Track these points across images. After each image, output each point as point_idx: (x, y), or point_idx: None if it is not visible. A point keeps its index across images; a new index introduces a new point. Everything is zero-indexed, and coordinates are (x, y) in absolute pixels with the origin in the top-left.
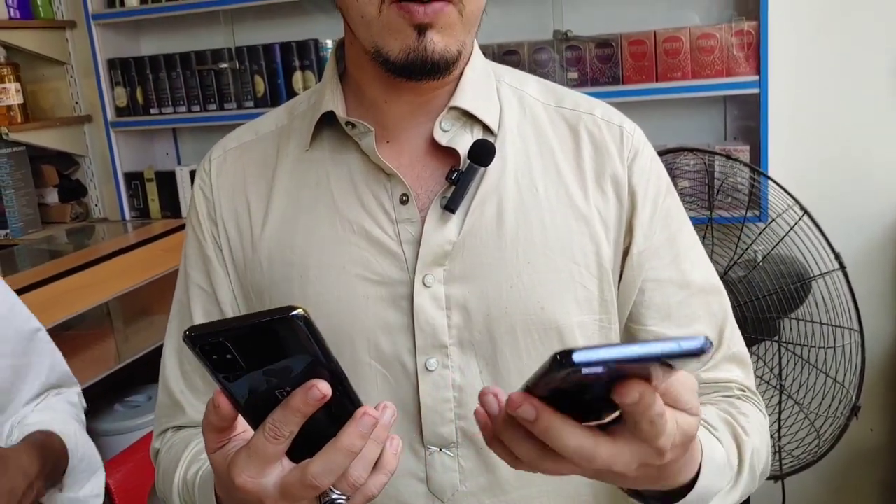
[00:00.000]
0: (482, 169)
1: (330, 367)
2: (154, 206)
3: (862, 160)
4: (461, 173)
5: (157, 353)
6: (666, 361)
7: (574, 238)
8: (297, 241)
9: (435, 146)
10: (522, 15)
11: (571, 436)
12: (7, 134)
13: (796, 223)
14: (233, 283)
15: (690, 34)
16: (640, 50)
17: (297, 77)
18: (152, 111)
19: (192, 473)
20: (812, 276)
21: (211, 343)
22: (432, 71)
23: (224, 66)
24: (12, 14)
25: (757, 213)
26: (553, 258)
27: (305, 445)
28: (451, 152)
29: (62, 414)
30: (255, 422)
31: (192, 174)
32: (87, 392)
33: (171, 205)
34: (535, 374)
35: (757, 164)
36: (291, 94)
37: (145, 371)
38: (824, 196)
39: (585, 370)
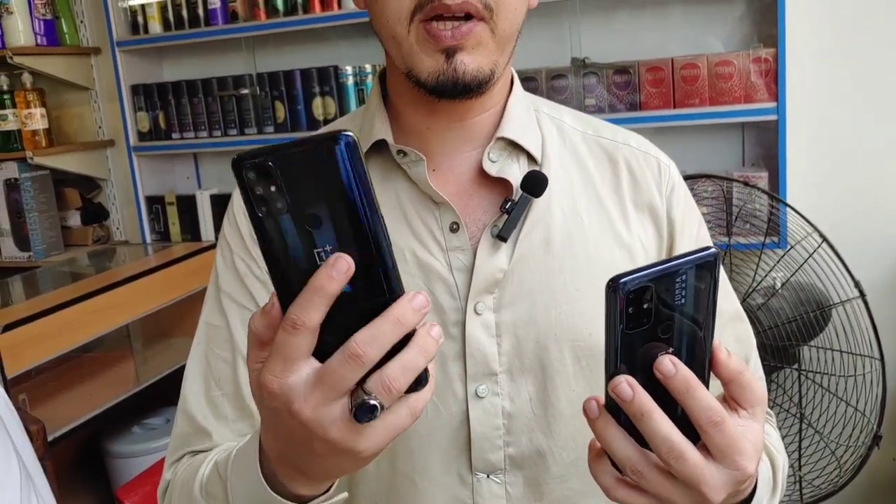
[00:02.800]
0: (533, 199)
1: (370, 217)
2: (174, 229)
3: (881, 187)
4: (514, 203)
5: (176, 375)
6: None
7: (618, 266)
8: None
9: (482, 175)
10: (541, 42)
11: (663, 421)
12: (32, 158)
13: (815, 250)
14: None
15: (708, 61)
16: (657, 77)
17: (318, 103)
18: (174, 136)
19: (223, 458)
20: (832, 303)
21: (259, 166)
22: (465, 91)
23: (245, 91)
24: (39, 41)
25: (776, 239)
26: (599, 285)
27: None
28: (497, 181)
29: None
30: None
31: (213, 198)
32: (105, 414)
33: (191, 228)
34: (607, 331)
35: (775, 190)
36: (311, 119)
37: (164, 393)
38: (843, 223)
39: (630, 285)
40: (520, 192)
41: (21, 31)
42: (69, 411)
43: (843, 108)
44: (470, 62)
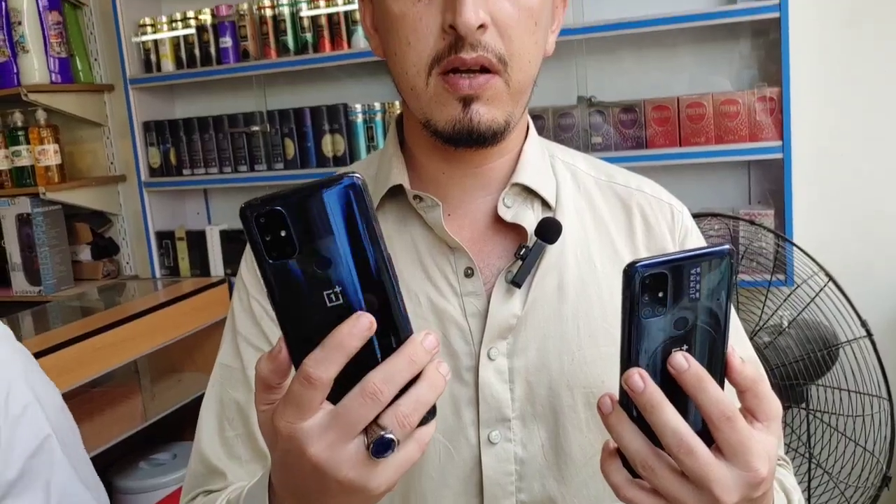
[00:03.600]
0: (547, 245)
1: (377, 259)
2: (184, 264)
3: (887, 225)
4: (528, 249)
5: (184, 411)
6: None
7: None
8: None
9: (497, 221)
10: (547, 80)
11: (672, 414)
12: (44, 193)
13: (821, 289)
14: None
15: (713, 100)
16: (663, 115)
17: (327, 140)
18: (185, 172)
19: (234, 496)
20: (839, 342)
21: (267, 213)
22: (479, 141)
23: (255, 128)
24: (54, 79)
25: (782, 277)
26: (612, 332)
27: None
28: (512, 227)
29: None
30: (303, 351)
31: (223, 234)
32: (112, 450)
33: (200, 264)
34: (623, 320)
35: (781, 228)
36: (321, 156)
37: (171, 429)
38: (850, 262)
39: (646, 270)
40: (534, 238)
41: (36, 69)
42: None
43: (848, 146)
44: (485, 113)
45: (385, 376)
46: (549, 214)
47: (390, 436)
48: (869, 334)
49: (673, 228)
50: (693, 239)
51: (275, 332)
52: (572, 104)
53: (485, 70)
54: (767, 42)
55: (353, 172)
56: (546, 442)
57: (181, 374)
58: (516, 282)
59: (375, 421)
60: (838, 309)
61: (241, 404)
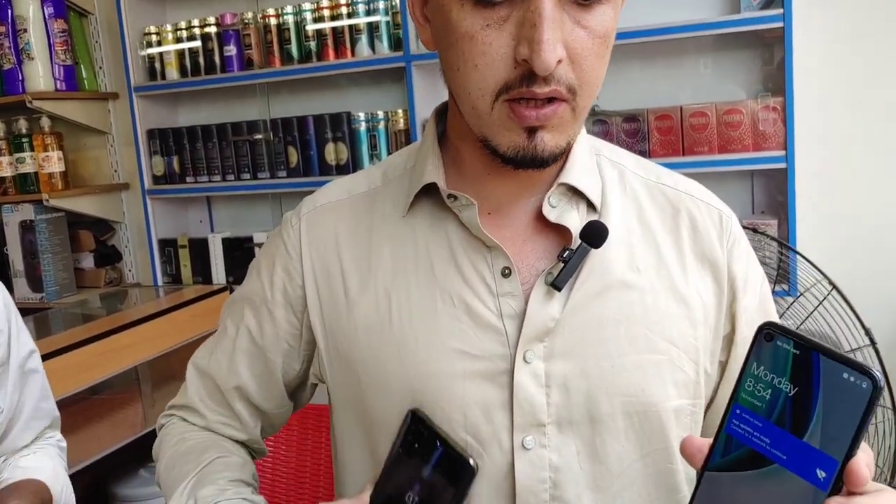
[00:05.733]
0: (591, 249)
1: None
2: (186, 271)
3: (892, 234)
4: (572, 252)
5: None
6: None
7: (675, 320)
8: (395, 312)
9: (540, 221)
10: None
11: None
12: (48, 200)
13: (825, 298)
14: (320, 343)
15: (717, 109)
16: (666, 125)
17: (330, 148)
18: (188, 179)
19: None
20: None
21: (420, 432)
22: (542, 165)
23: (259, 136)
24: (58, 86)
25: (786, 286)
26: (654, 340)
27: None
28: (555, 228)
29: (52, 461)
30: None
31: (225, 241)
32: (112, 456)
33: (202, 271)
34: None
35: (785, 237)
36: (324, 164)
37: None
38: (854, 270)
39: (781, 342)
40: (578, 240)
41: (41, 77)
42: (76, 454)
43: (851, 155)
44: (549, 140)
45: None
46: (594, 216)
47: None
48: (873, 343)
49: (721, 234)
50: (742, 247)
51: (272, 332)
52: None
53: (552, 98)
54: (771, 52)
55: (471, 459)
56: (582, 449)
57: (181, 381)
58: (557, 284)
59: None
60: (842, 318)
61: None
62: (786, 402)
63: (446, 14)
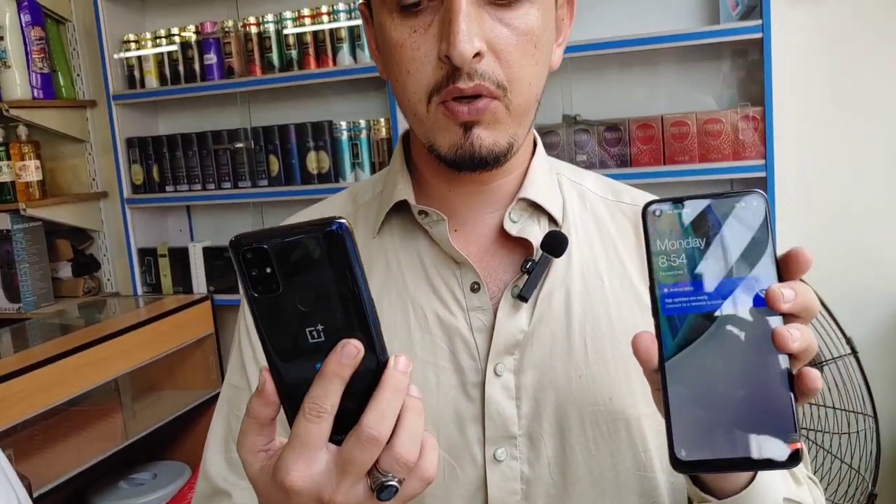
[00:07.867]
0: (553, 259)
1: (361, 301)
2: (166, 281)
3: (871, 243)
4: (535, 263)
5: (164, 430)
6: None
7: (640, 328)
8: None
9: (503, 236)
10: None
11: None
12: (25, 210)
13: None
14: None
15: (697, 118)
16: (647, 133)
17: (311, 157)
18: (167, 188)
19: None
20: (824, 360)
21: (255, 249)
22: (482, 164)
23: (240, 145)
24: (35, 94)
25: None
26: (620, 349)
27: (343, 426)
28: (518, 242)
29: None
30: (289, 385)
31: (205, 251)
32: (92, 469)
33: (183, 281)
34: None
35: None
36: (305, 173)
37: (152, 448)
38: (834, 280)
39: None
40: (540, 251)
41: (18, 85)
42: (55, 466)
43: (831, 165)
44: (486, 136)
45: (378, 415)
46: (556, 229)
47: (392, 482)
48: (854, 352)
49: None
50: None
51: None
52: (557, 123)
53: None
54: (751, 62)
55: (339, 217)
56: (553, 461)
57: (162, 392)
58: (523, 296)
59: (376, 465)
60: (823, 327)
61: None
62: (700, 256)
63: (384, 31)
